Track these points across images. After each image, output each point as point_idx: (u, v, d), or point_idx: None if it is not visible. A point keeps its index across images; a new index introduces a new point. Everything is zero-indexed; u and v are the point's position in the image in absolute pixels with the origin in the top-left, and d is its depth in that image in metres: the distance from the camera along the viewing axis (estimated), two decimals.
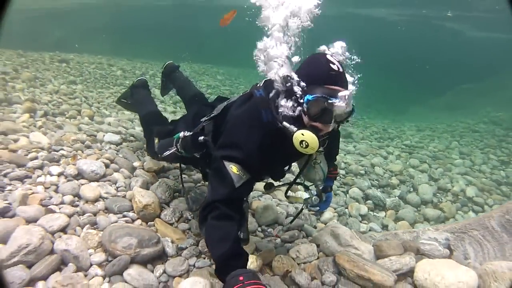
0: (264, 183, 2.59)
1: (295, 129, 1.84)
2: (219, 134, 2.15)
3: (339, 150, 3.05)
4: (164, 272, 2.19)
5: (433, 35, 23.95)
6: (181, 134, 2.48)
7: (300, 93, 1.84)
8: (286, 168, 2.51)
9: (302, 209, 2.86)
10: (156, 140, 2.89)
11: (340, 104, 1.76)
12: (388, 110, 15.41)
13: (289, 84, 1.87)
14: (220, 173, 1.96)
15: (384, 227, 4.22)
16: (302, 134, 1.81)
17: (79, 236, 2.23)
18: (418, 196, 4.98)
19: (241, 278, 1.62)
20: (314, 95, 1.78)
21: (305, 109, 1.83)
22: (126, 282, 1.98)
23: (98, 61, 9.99)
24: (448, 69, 24.28)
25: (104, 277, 2.00)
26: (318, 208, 2.70)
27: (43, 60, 8.52)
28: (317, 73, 1.85)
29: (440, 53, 26.42)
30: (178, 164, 3.29)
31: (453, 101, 15.49)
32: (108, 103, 6.08)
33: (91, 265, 2.06)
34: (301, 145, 1.82)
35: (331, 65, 1.82)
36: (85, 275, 1.99)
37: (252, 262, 2.33)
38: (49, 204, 2.43)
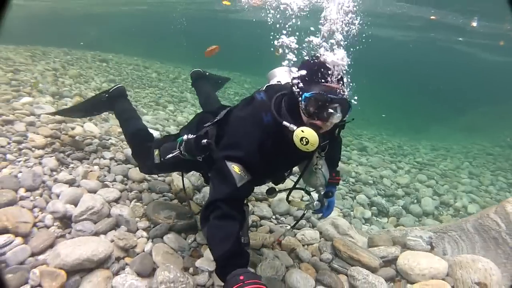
0: (267, 188, 2.62)
1: (295, 127, 1.89)
2: (222, 137, 2.17)
3: (343, 156, 3.14)
4: (195, 240, 2.72)
5: (446, 56, 24.03)
6: (185, 137, 2.49)
7: (298, 91, 1.91)
8: (287, 173, 2.54)
9: (304, 214, 2.86)
10: (157, 152, 2.80)
11: (337, 100, 1.84)
12: (408, 128, 15.68)
13: (289, 85, 1.99)
14: (222, 172, 1.98)
15: None
16: (302, 131, 1.84)
17: (128, 206, 2.81)
18: (420, 207, 5.39)
19: (241, 277, 1.65)
20: (311, 92, 1.83)
21: (304, 107, 1.89)
22: (165, 243, 2.53)
23: (134, 62, 10.75)
24: (469, 91, 24.38)
25: (148, 238, 2.56)
26: (321, 214, 2.71)
27: (86, 58, 9.29)
28: (314, 72, 1.89)
29: (459, 74, 26.53)
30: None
31: (472, 122, 15.64)
32: (145, 102, 6.73)
33: (137, 229, 2.62)
34: (302, 142, 1.85)
35: (328, 63, 1.88)
36: (134, 235, 2.55)
37: (266, 239, 2.86)
38: (104, 181, 3.04)
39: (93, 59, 9.45)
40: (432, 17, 14.79)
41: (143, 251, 2.40)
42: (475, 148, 11.15)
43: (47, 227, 2.34)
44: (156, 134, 4.45)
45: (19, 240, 2.12)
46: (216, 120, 2.35)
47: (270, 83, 2.33)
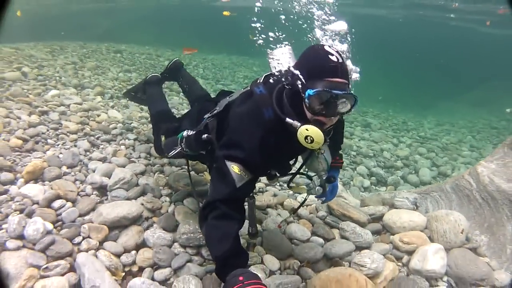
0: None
1: (299, 124, 1.84)
2: (223, 131, 2.15)
3: (346, 132, 3.01)
4: None
5: (445, 32, 23.94)
6: (185, 133, 2.51)
7: (301, 87, 1.85)
8: (292, 162, 2.51)
9: (305, 199, 2.86)
10: (163, 138, 2.90)
11: (341, 96, 1.78)
12: (415, 105, 15.85)
13: (290, 79, 1.92)
14: (222, 172, 1.98)
15: None
16: (307, 130, 1.80)
17: (152, 177, 3.31)
18: (417, 177, 5.82)
19: (240, 278, 1.65)
20: (315, 90, 1.75)
21: (307, 104, 1.82)
22: (184, 205, 3.02)
23: (147, 51, 11.20)
24: (476, 66, 24.23)
25: (170, 202, 3.05)
26: (324, 198, 2.69)
27: (101, 50, 9.78)
28: (316, 66, 1.82)
29: (462, 49, 26.34)
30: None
31: (480, 97, 15.68)
32: None
33: (161, 195, 3.12)
34: (306, 140, 1.82)
35: (330, 56, 1.79)
36: (159, 200, 3.05)
37: (271, 200, 3.34)
38: (131, 157, 3.54)
39: (108, 51, 9.93)
40: None
41: (167, 211, 2.90)
42: (480, 123, 11.39)
43: (88, 195, 2.85)
44: None
45: (69, 204, 2.64)
46: (215, 112, 2.33)
47: (268, 73, 2.24)
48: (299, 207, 2.84)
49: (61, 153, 3.28)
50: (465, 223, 2.83)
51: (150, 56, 10.56)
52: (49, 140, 3.49)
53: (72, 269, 2.16)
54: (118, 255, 2.38)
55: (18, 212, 2.42)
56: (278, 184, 3.99)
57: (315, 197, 2.70)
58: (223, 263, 1.82)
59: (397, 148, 7.30)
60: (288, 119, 1.88)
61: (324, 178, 2.47)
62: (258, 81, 2.19)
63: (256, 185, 2.86)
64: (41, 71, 6.23)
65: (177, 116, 3.41)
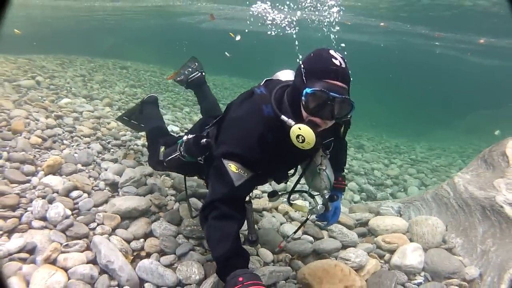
0: (268, 192, 2.60)
1: (293, 122, 1.84)
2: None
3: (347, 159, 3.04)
4: None
5: (438, 61, 24.64)
6: (184, 138, 2.49)
7: (300, 85, 1.85)
8: (291, 172, 2.49)
9: (306, 219, 2.74)
10: (162, 149, 2.87)
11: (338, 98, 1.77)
12: (409, 131, 16.29)
13: (294, 78, 1.95)
14: (219, 171, 1.97)
15: None
16: (299, 128, 1.79)
17: (159, 179, 3.60)
18: (406, 195, 6.10)
19: (240, 278, 1.66)
20: (313, 89, 1.76)
21: (304, 103, 1.82)
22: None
23: (151, 69, 11.66)
24: (468, 94, 24.90)
25: (175, 201, 3.33)
26: (326, 222, 2.64)
27: (108, 66, 10.20)
28: (317, 67, 1.83)
29: (454, 78, 27.08)
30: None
31: (472, 125, 16.24)
32: (164, 104, 7.56)
33: (167, 194, 3.41)
34: (298, 139, 1.80)
35: (333, 59, 1.80)
36: (165, 198, 3.33)
37: (266, 204, 3.62)
38: (140, 161, 3.85)
39: (114, 66, 10.37)
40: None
41: (173, 208, 3.18)
42: (470, 148, 11.78)
43: (101, 189, 3.13)
44: (176, 129, 5.28)
45: (85, 195, 2.92)
46: (216, 120, 2.33)
47: (270, 78, 2.31)
48: (299, 228, 2.85)
49: (76, 153, 3.59)
50: (441, 226, 3.13)
51: (154, 74, 11.00)
52: (64, 141, 3.80)
53: (88, 248, 2.43)
54: (128, 241, 2.64)
55: (40, 198, 2.70)
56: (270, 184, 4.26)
57: (316, 217, 2.63)
58: (223, 264, 1.83)
59: (388, 168, 7.62)
60: (283, 116, 1.89)
61: (326, 196, 2.37)
62: (259, 84, 2.22)
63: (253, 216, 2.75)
64: (53, 81, 6.60)
65: (181, 129, 3.38)
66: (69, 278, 2.08)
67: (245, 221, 2.31)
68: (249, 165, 1.98)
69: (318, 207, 2.37)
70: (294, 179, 2.52)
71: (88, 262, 2.28)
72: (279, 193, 2.51)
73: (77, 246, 2.37)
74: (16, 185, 2.82)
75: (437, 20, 13.77)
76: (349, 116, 1.94)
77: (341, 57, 1.85)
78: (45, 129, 3.86)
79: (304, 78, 1.85)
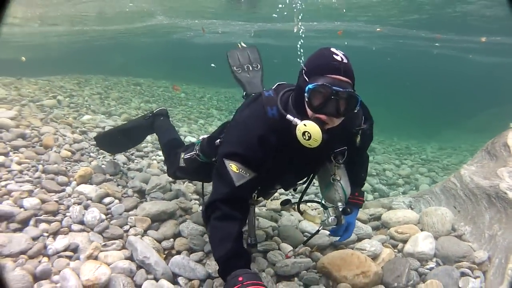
0: (281, 200, 2.60)
1: (298, 121, 1.83)
2: None
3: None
4: None
5: (441, 62, 24.68)
6: (201, 137, 2.56)
7: (303, 84, 1.85)
8: (303, 181, 2.48)
9: (318, 230, 2.70)
10: (182, 155, 2.89)
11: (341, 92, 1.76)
12: (420, 132, 16.33)
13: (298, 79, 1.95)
14: (220, 172, 1.98)
15: None
16: (305, 125, 1.78)
17: (183, 185, 3.84)
18: (417, 192, 6.25)
19: (240, 278, 1.67)
20: (315, 84, 1.77)
21: (307, 100, 1.81)
22: None
23: (163, 85, 12.00)
24: (476, 94, 24.89)
25: (199, 204, 3.56)
26: (339, 237, 2.64)
27: (122, 83, 10.58)
28: (319, 63, 1.84)
29: (458, 78, 27.07)
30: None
31: (482, 124, 16.15)
32: (179, 118, 7.86)
33: (191, 199, 3.64)
34: (304, 136, 1.78)
35: (334, 55, 1.81)
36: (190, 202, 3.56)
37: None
38: (163, 169, 4.10)
39: (128, 84, 10.74)
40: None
41: (197, 211, 3.41)
42: (481, 146, 11.73)
43: (130, 196, 3.38)
44: (194, 139, 5.52)
45: (117, 201, 3.17)
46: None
47: (282, 82, 2.27)
48: (309, 239, 2.84)
49: (103, 164, 3.85)
50: (450, 215, 3.30)
51: (167, 89, 11.33)
52: (91, 154, 4.09)
53: (124, 247, 2.66)
54: (159, 241, 2.86)
55: (76, 204, 2.96)
56: (290, 193, 4.47)
57: (329, 232, 2.63)
58: (224, 264, 1.84)
59: (399, 168, 7.76)
60: (288, 116, 1.88)
61: (340, 209, 2.34)
62: (271, 88, 2.21)
63: (255, 220, 2.81)
64: (72, 100, 6.96)
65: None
66: (111, 272, 2.31)
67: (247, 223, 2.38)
68: (251, 165, 1.98)
69: (330, 219, 2.35)
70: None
71: (125, 259, 2.51)
72: (292, 202, 2.54)
73: (114, 245, 2.60)
74: (53, 194, 3.08)
75: (437, 23, 13.98)
76: (355, 109, 1.88)
77: (343, 54, 1.85)
78: (73, 143, 4.15)
79: (306, 77, 1.86)
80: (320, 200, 2.56)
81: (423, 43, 18.72)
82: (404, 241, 3.21)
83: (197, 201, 3.59)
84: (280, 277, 2.67)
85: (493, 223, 3.03)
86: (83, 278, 2.06)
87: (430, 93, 28.57)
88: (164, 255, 2.76)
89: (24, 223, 2.60)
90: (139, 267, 2.47)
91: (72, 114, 5.73)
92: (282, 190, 3.97)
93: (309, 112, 1.85)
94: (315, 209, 3.95)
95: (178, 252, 2.80)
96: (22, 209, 2.70)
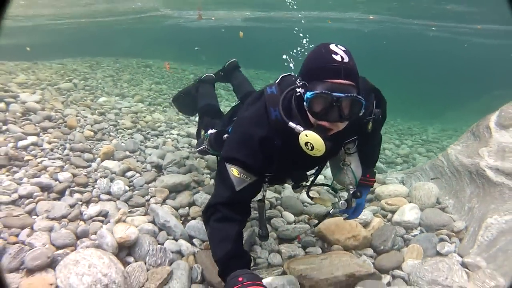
0: (293, 183, 2.58)
1: (301, 129, 1.75)
2: None
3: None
4: None
5: (440, 45, 24.54)
6: (209, 131, 2.56)
7: (303, 90, 1.75)
8: (313, 171, 2.48)
9: (328, 213, 2.73)
10: (202, 132, 2.95)
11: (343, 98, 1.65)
12: (423, 113, 16.50)
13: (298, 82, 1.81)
14: (222, 174, 1.98)
15: None
16: (306, 135, 1.71)
17: (195, 160, 4.24)
18: (409, 169, 6.60)
19: (240, 279, 1.67)
20: (313, 92, 1.66)
21: (307, 108, 1.73)
22: None
23: (172, 66, 12.28)
24: (479, 76, 24.83)
25: (211, 178, 3.95)
26: (347, 215, 2.65)
27: (132, 65, 10.90)
28: (317, 67, 1.70)
29: (460, 61, 26.96)
30: None
31: (486, 105, 16.18)
32: None
33: (203, 173, 4.03)
34: (307, 146, 1.73)
35: (334, 56, 1.66)
36: (202, 175, 3.95)
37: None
38: (177, 146, 4.49)
39: (138, 66, 11.05)
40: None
41: (209, 184, 3.80)
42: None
43: (149, 170, 3.78)
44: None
45: (138, 174, 3.58)
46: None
47: (286, 74, 2.16)
48: (320, 222, 2.93)
49: (123, 142, 4.25)
50: (435, 189, 3.67)
51: (176, 70, 11.63)
52: (111, 133, 4.48)
53: (147, 213, 3.06)
54: (176, 209, 3.26)
55: (103, 177, 3.36)
56: None
57: (339, 211, 2.61)
58: (224, 265, 1.85)
59: (399, 148, 8.07)
60: (291, 123, 1.81)
61: (351, 192, 2.32)
62: (275, 81, 2.11)
63: (266, 214, 2.83)
64: (87, 82, 7.32)
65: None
66: (138, 232, 2.72)
67: (258, 217, 2.46)
68: (251, 170, 1.95)
69: (340, 203, 2.34)
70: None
71: (149, 223, 2.92)
72: (303, 185, 2.55)
73: (138, 212, 3.02)
74: (81, 169, 3.48)
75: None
76: (360, 113, 1.77)
77: (343, 50, 1.70)
78: (94, 124, 4.54)
79: (306, 81, 1.75)
80: (330, 184, 2.63)
81: (418, 27, 18.75)
82: (393, 212, 3.59)
83: (208, 175, 3.98)
84: (282, 240, 3.09)
85: (472, 197, 3.39)
86: (116, 236, 2.47)
87: (434, 75, 28.54)
88: (181, 221, 3.16)
89: (61, 193, 3.01)
90: (160, 229, 2.88)
91: (89, 96, 6.10)
92: None
93: (312, 119, 1.78)
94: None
95: (193, 218, 3.20)
96: (57, 182, 3.11)
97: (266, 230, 2.39)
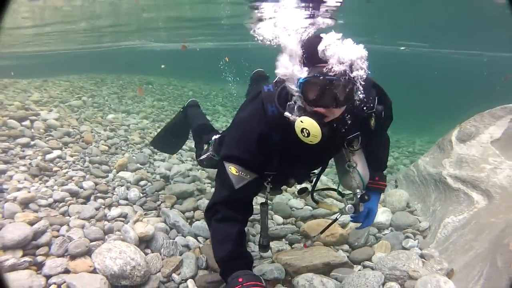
0: (298, 189, 2.55)
1: (296, 117, 1.72)
2: None
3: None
4: None
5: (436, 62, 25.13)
6: (213, 138, 2.60)
7: (296, 78, 1.71)
8: (317, 171, 2.44)
9: (336, 219, 2.60)
10: (205, 147, 3.00)
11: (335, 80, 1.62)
12: (413, 126, 17.00)
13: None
14: (221, 175, 1.99)
15: None
16: (302, 122, 1.68)
17: (198, 171, 4.81)
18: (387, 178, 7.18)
19: (240, 279, 1.68)
20: (306, 77, 1.65)
21: (301, 94, 1.71)
22: None
23: (172, 83, 12.91)
24: (466, 91, 25.58)
25: (211, 187, 4.53)
26: (360, 224, 2.59)
27: (135, 82, 11.50)
28: (308, 54, 1.68)
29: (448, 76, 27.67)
30: None
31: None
32: None
33: (205, 183, 4.60)
34: (303, 134, 1.69)
35: (324, 40, 1.63)
36: (204, 184, 4.52)
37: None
38: (181, 159, 5.07)
39: (140, 82, 11.67)
40: None
41: (210, 192, 4.36)
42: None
43: (158, 180, 4.35)
44: None
45: (149, 184, 4.15)
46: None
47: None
48: (326, 228, 2.75)
49: (134, 156, 4.82)
50: (405, 195, 4.26)
51: (176, 87, 12.24)
52: (123, 148, 5.05)
53: (158, 216, 3.62)
54: (183, 212, 3.81)
55: (120, 186, 3.93)
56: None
57: (350, 219, 2.59)
58: (225, 266, 1.88)
59: None
60: (286, 113, 1.79)
61: (358, 196, 2.27)
62: (274, 81, 2.05)
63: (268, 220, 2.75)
64: (95, 100, 7.89)
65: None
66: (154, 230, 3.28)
67: (251, 223, 2.78)
68: (250, 167, 1.95)
69: (347, 208, 2.27)
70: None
71: (161, 222, 3.48)
72: (309, 190, 2.52)
73: (152, 214, 3.59)
74: (101, 178, 4.05)
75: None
76: (355, 98, 1.75)
77: (337, 37, 1.65)
78: (107, 139, 5.13)
79: (297, 71, 1.72)
80: (337, 188, 2.56)
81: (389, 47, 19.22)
82: None
83: (209, 184, 4.55)
84: (271, 238, 3.64)
85: (436, 201, 3.99)
86: (137, 231, 3.03)
87: (424, 90, 29.35)
88: (188, 222, 3.72)
89: (87, 198, 3.57)
90: (171, 228, 3.44)
91: (98, 113, 6.68)
92: None
93: (307, 107, 1.76)
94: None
95: (198, 220, 3.75)
96: (82, 189, 3.68)
97: (268, 239, 2.40)
